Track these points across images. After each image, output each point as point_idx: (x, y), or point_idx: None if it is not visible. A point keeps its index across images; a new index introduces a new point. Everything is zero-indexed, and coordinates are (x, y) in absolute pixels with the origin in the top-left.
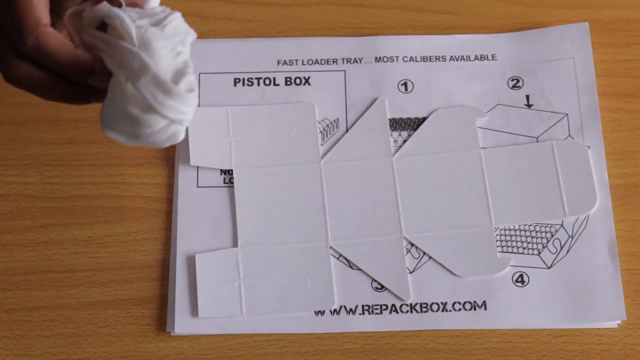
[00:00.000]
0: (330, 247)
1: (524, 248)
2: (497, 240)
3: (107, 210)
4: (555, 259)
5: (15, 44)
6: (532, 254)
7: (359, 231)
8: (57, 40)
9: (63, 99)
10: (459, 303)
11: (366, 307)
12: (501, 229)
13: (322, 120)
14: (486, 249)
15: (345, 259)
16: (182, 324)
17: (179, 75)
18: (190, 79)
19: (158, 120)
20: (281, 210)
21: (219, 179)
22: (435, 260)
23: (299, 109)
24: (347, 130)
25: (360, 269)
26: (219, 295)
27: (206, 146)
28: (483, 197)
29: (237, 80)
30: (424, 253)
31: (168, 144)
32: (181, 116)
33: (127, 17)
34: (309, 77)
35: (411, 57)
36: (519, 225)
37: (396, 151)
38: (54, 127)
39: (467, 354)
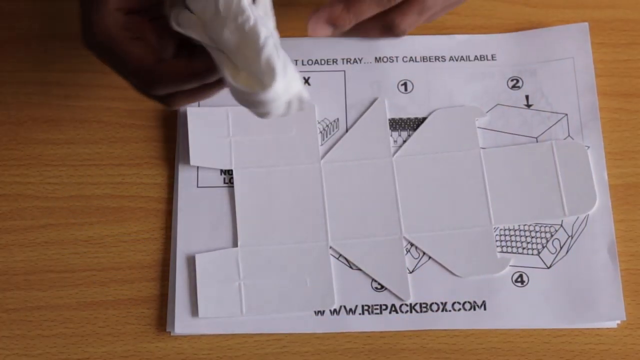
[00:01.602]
0: (330, 247)
1: (524, 248)
2: (497, 240)
3: (107, 210)
4: (554, 259)
5: (152, 93)
6: (532, 254)
7: (359, 231)
8: (173, 70)
9: (215, 92)
10: (459, 303)
11: (366, 307)
12: (501, 229)
13: (322, 121)
14: (486, 249)
15: (345, 259)
16: (182, 323)
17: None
18: (281, 59)
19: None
20: (281, 210)
21: (219, 179)
22: (435, 260)
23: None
24: (347, 130)
25: (360, 269)
26: (219, 295)
27: (206, 146)
28: (483, 197)
29: None
30: (424, 253)
31: (299, 110)
32: (292, 91)
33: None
34: (308, 77)
35: (411, 57)
36: (519, 225)
37: (396, 151)
38: (54, 127)
39: (467, 353)
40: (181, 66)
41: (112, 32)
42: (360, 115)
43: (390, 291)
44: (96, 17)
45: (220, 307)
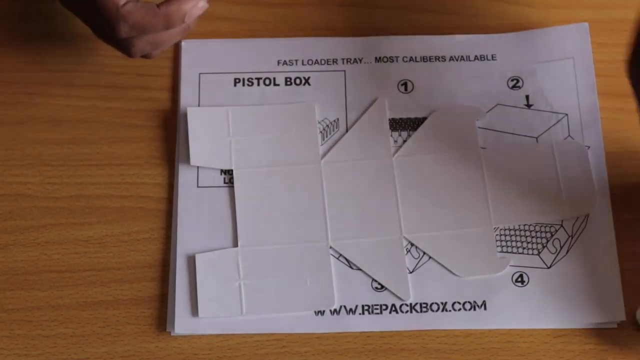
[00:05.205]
0: (330, 247)
1: (524, 248)
2: (497, 240)
3: (107, 210)
4: (555, 258)
5: (115, 35)
6: (532, 254)
7: (359, 231)
8: (143, 13)
9: (176, 40)
10: (459, 303)
11: (366, 307)
12: (501, 229)
13: (322, 121)
14: (486, 249)
15: (345, 259)
16: (182, 323)
17: None
18: None
19: None
20: (281, 210)
21: (219, 179)
22: (436, 261)
23: (299, 110)
24: (347, 131)
25: (360, 269)
26: (219, 295)
27: (206, 146)
28: (483, 197)
29: (237, 81)
30: (424, 253)
31: None
32: None
33: None
34: (309, 77)
35: (411, 57)
36: (519, 225)
37: (396, 151)
38: (54, 127)
39: (467, 353)
40: (151, 8)
41: None
42: (361, 115)
43: (390, 291)
44: None
45: (220, 306)
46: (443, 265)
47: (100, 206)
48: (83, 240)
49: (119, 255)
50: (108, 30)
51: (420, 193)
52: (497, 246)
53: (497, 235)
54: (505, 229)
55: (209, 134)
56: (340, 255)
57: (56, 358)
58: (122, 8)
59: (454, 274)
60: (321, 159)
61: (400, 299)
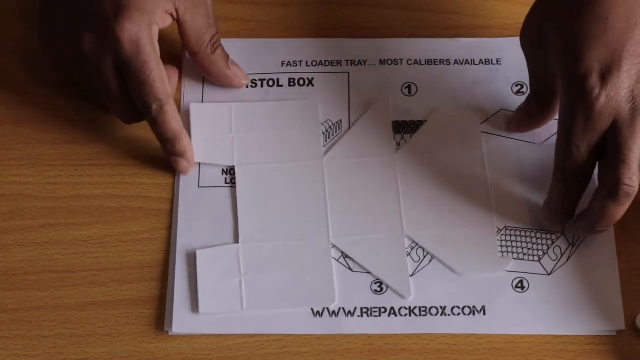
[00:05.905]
0: (332, 244)
1: (525, 254)
2: (498, 246)
3: (107, 210)
4: (555, 266)
5: (140, 104)
6: (533, 260)
7: (360, 228)
8: (176, 116)
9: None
10: (458, 307)
11: (365, 310)
12: (502, 235)
13: (325, 122)
14: (487, 248)
15: (345, 261)
16: (180, 322)
17: None
18: None
19: None
20: (283, 207)
21: (220, 179)
22: (437, 259)
23: (302, 106)
24: None
25: (359, 271)
26: (220, 291)
27: (209, 142)
28: (485, 198)
29: None
30: (425, 256)
31: None
32: None
33: None
34: (312, 79)
35: (416, 60)
36: (520, 232)
37: (399, 149)
38: (54, 127)
39: (467, 354)
40: (181, 123)
41: (145, 42)
42: (364, 113)
43: (391, 289)
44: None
45: (220, 303)
46: (444, 263)
47: (99, 206)
48: (83, 240)
49: (118, 255)
50: (139, 99)
51: (422, 191)
52: (498, 251)
53: (498, 240)
54: (506, 235)
55: (212, 130)
56: (340, 257)
57: (55, 358)
58: (171, 98)
59: (454, 271)
60: (324, 155)
61: (399, 299)
